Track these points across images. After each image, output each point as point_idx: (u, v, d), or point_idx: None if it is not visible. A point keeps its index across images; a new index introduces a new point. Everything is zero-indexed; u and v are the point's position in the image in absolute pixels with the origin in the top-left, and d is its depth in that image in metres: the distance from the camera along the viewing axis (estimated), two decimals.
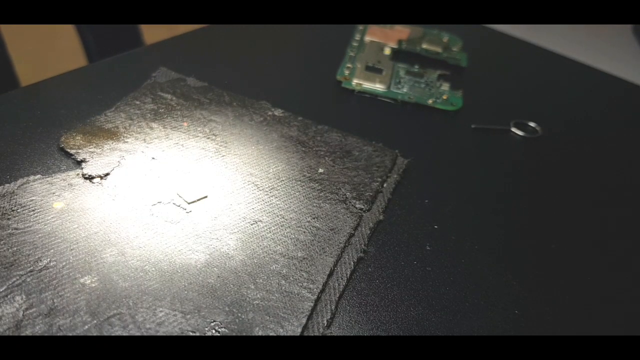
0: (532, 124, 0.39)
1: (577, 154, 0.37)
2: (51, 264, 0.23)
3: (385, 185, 0.31)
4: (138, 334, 0.22)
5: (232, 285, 0.24)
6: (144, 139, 0.31)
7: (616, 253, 0.30)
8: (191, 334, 0.22)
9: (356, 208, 0.29)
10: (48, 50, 0.92)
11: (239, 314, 0.23)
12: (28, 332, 0.21)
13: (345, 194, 0.30)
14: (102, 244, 0.25)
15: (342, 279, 0.26)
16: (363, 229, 0.28)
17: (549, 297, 0.27)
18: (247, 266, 0.25)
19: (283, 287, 0.24)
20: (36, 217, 0.25)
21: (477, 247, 0.29)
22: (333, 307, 0.24)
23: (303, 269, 0.25)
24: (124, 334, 0.21)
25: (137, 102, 0.34)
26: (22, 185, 0.27)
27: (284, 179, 0.30)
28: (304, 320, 0.23)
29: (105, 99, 0.34)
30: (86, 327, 0.21)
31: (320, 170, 0.31)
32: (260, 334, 0.22)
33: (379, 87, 0.40)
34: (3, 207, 0.25)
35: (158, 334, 0.22)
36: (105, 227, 0.26)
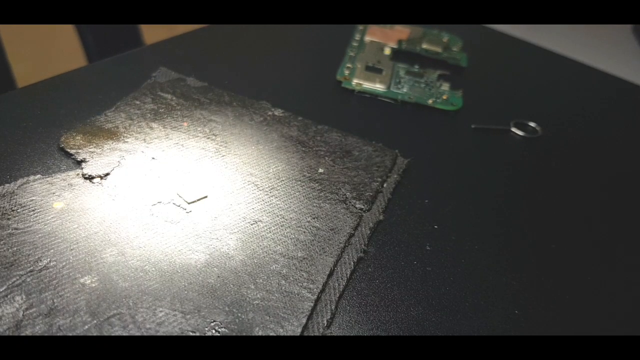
0: (532, 124, 0.39)
1: (577, 154, 0.37)
2: (51, 264, 0.23)
3: (385, 185, 0.31)
4: (138, 334, 0.22)
5: (232, 285, 0.24)
6: (144, 139, 0.31)
7: (616, 253, 0.30)
8: (191, 334, 0.22)
9: (356, 208, 0.29)
10: (48, 51, 0.92)
11: (239, 314, 0.23)
12: (28, 332, 0.21)
13: (345, 194, 0.30)
14: (102, 244, 0.25)
15: (342, 279, 0.26)
16: (363, 229, 0.28)
17: (549, 297, 0.27)
18: (247, 266, 0.25)
19: (283, 287, 0.24)
20: (36, 217, 0.25)
21: (477, 247, 0.29)
22: (333, 307, 0.24)
23: (303, 269, 0.25)
24: (124, 334, 0.21)
25: (137, 102, 0.34)
26: (22, 185, 0.27)
27: (284, 179, 0.30)
28: (304, 320, 0.23)
29: (105, 99, 0.34)
30: (86, 327, 0.21)
31: (320, 170, 0.31)
32: (260, 334, 0.22)
33: (379, 87, 0.40)
34: (3, 207, 0.25)
35: (158, 334, 0.22)
36: (105, 227, 0.26)
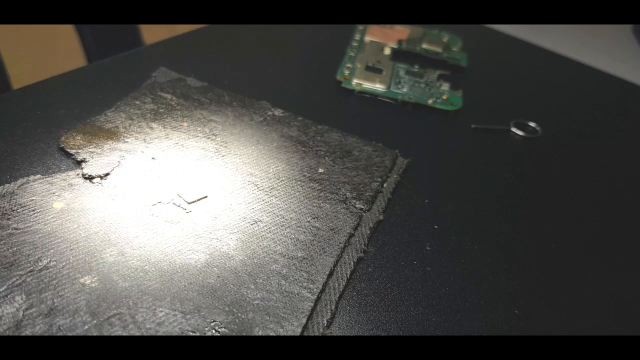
0: (532, 124, 0.39)
1: (577, 154, 0.37)
2: (51, 264, 0.23)
3: (385, 185, 0.31)
4: (138, 334, 0.22)
5: (232, 285, 0.24)
6: (144, 139, 0.31)
7: (616, 253, 0.30)
8: (191, 334, 0.22)
9: (356, 208, 0.29)
10: (48, 51, 0.92)
11: (239, 314, 0.23)
12: (28, 332, 0.21)
13: (345, 194, 0.30)
14: (102, 244, 0.25)
15: (342, 279, 0.26)
16: (363, 229, 0.28)
17: (549, 297, 0.27)
18: (247, 266, 0.25)
19: (283, 287, 0.24)
20: (36, 217, 0.25)
21: (477, 247, 0.29)
22: (333, 307, 0.24)
23: (303, 269, 0.25)
24: (124, 334, 0.21)
25: (137, 102, 0.34)
26: (22, 185, 0.27)
27: (284, 179, 0.30)
28: (304, 320, 0.23)
29: (105, 99, 0.34)
30: (86, 327, 0.21)
31: (320, 170, 0.31)
32: (260, 334, 0.22)
33: (379, 87, 0.40)
34: (3, 207, 0.25)
35: (158, 334, 0.22)
36: (105, 227, 0.26)
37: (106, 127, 0.32)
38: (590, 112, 0.43)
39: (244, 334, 0.22)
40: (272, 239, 0.27)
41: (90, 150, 0.30)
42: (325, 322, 0.23)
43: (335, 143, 0.34)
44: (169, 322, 0.22)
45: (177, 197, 0.28)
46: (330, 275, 0.25)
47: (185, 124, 0.33)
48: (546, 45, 0.52)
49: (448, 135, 0.37)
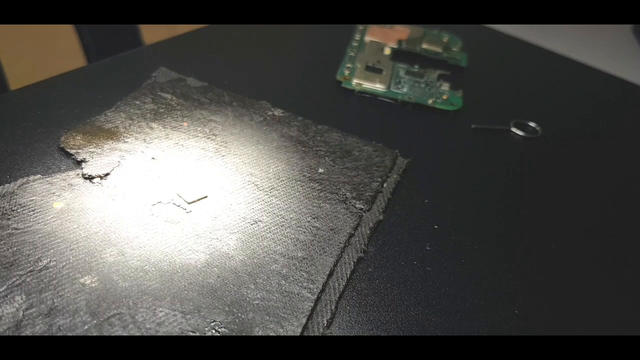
0: (532, 124, 0.39)
1: (577, 154, 0.37)
2: (51, 264, 0.23)
3: (385, 185, 0.31)
4: (138, 334, 0.22)
5: (232, 285, 0.24)
6: (144, 139, 0.31)
7: (616, 253, 0.30)
8: (191, 334, 0.22)
9: (356, 208, 0.29)
10: (47, 51, 0.92)
11: (239, 314, 0.23)
12: (28, 332, 0.21)
13: (345, 194, 0.30)
14: (102, 244, 0.25)
15: (342, 279, 0.26)
16: (363, 229, 0.28)
17: (549, 297, 0.27)
18: (247, 266, 0.25)
19: (283, 287, 0.24)
20: (36, 217, 0.25)
21: (477, 247, 0.29)
22: (333, 307, 0.24)
23: (303, 269, 0.25)
24: (124, 334, 0.21)
25: (137, 102, 0.34)
26: (22, 185, 0.27)
27: (284, 179, 0.30)
28: (304, 320, 0.23)
29: (105, 99, 0.34)
30: (86, 327, 0.21)
31: (320, 170, 0.31)
32: (260, 334, 0.22)
33: (379, 87, 0.40)
34: (3, 207, 0.25)
35: (158, 334, 0.22)
36: (105, 227, 0.26)
37: (106, 127, 0.32)
38: (590, 112, 0.43)
39: (244, 334, 0.22)
40: (272, 239, 0.27)
41: (90, 150, 0.30)
42: (325, 322, 0.23)
43: (335, 143, 0.34)
44: (169, 322, 0.22)
45: (177, 197, 0.28)
46: (330, 275, 0.25)
47: (185, 124, 0.33)
48: (546, 45, 0.52)
49: (448, 135, 0.37)
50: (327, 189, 0.30)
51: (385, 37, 0.47)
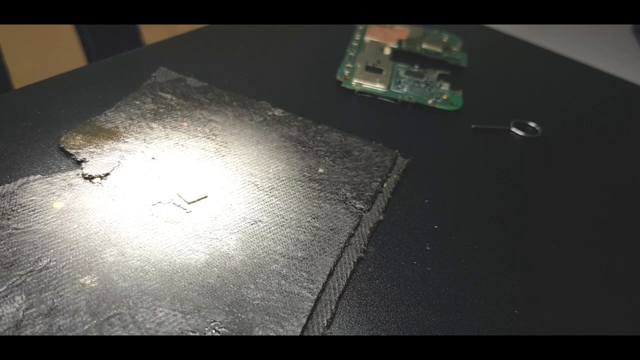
0: (532, 124, 0.39)
1: (577, 154, 0.37)
2: (51, 264, 0.23)
3: (385, 185, 0.31)
4: (138, 334, 0.22)
5: (232, 285, 0.24)
6: (144, 139, 0.31)
7: (616, 253, 0.30)
8: (191, 334, 0.22)
9: (356, 208, 0.29)
10: (48, 51, 0.92)
11: (239, 314, 0.23)
12: (28, 332, 0.21)
13: (345, 194, 0.30)
14: (102, 244, 0.25)
15: (342, 279, 0.26)
16: (363, 229, 0.28)
17: (549, 297, 0.27)
18: (247, 266, 0.25)
19: (283, 287, 0.24)
20: (36, 217, 0.25)
21: (477, 247, 0.29)
22: (333, 307, 0.24)
23: (303, 269, 0.25)
24: (124, 334, 0.21)
25: (137, 102, 0.34)
26: (22, 185, 0.27)
27: (284, 179, 0.30)
28: (304, 320, 0.23)
29: (105, 99, 0.34)
30: (86, 327, 0.21)
31: (320, 170, 0.31)
32: (260, 334, 0.22)
33: (379, 87, 0.40)
34: (3, 207, 0.25)
35: (158, 334, 0.22)
36: (105, 227, 0.26)
37: (106, 127, 0.32)
38: (590, 112, 0.43)
39: (244, 334, 0.22)
40: (272, 239, 0.27)
41: (90, 150, 0.30)
42: (325, 322, 0.23)
43: (335, 143, 0.34)
44: (169, 322, 0.22)
45: (177, 197, 0.28)
46: (330, 275, 0.25)
47: (185, 124, 0.33)
48: (546, 45, 0.52)
49: (448, 135, 0.37)
50: (327, 189, 0.30)
51: (385, 37, 0.47)
